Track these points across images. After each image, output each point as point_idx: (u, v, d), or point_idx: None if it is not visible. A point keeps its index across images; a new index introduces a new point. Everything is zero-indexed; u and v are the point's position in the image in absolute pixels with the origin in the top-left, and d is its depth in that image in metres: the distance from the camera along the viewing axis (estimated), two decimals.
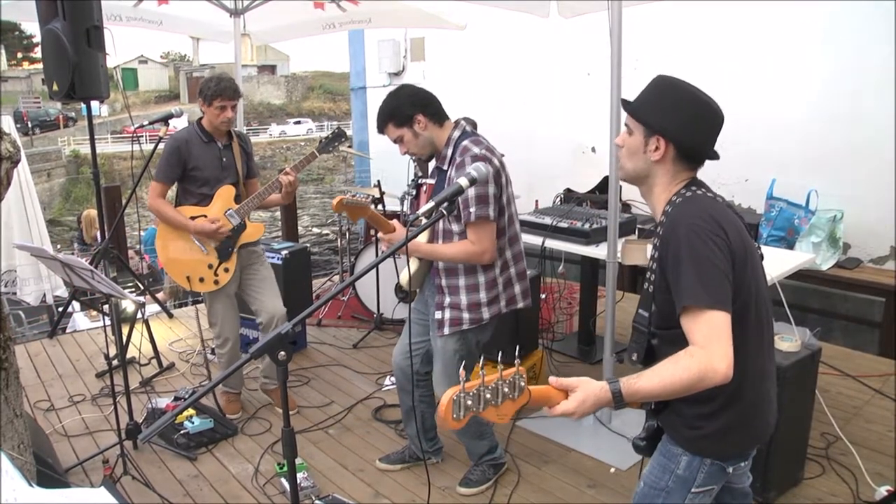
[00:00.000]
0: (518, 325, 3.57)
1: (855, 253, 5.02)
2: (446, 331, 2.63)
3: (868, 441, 3.25)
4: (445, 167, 2.56)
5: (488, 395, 1.34)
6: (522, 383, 1.38)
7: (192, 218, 3.36)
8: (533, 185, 5.79)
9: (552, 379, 1.51)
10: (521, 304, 2.72)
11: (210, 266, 3.41)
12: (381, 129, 2.59)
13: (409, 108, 2.51)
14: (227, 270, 3.43)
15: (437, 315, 2.65)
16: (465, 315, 2.60)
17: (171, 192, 3.48)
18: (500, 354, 1.37)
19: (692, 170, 1.66)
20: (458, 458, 3.13)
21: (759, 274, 1.63)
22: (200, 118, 3.39)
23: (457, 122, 2.61)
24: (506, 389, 1.36)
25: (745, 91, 5.44)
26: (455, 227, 2.54)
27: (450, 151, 2.55)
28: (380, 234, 2.61)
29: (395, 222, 2.62)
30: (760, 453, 2.59)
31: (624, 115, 1.73)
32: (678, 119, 1.61)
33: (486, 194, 2.44)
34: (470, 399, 1.31)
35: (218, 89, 3.23)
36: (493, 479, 2.97)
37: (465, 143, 2.51)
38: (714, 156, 1.66)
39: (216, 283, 3.43)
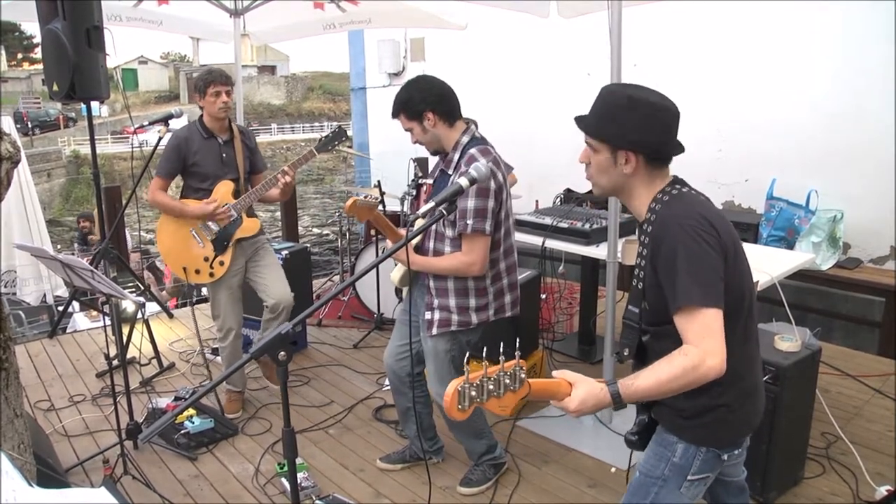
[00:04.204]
0: (517, 326, 3.57)
1: (855, 253, 5.02)
2: (435, 331, 2.64)
3: (868, 441, 3.25)
4: (450, 171, 2.56)
5: (491, 386, 1.37)
6: (523, 375, 1.41)
7: None
8: (533, 185, 5.79)
9: (555, 372, 1.55)
10: (509, 314, 2.72)
11: (206, 259, 3.46)
12: (394, 116, 2.60)
13: (420, 103, 2.51)
14: (222, 264, 3.47)
15: (427, 315, 2.66)
16: (455, 316, 2.61)
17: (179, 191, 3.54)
18: (500, 346, 1.40)
19: (666, 167, 1.68)
20: (459, 457, 3.13)
21: (746, 267, 1.66)
22: (201, 116, 3.43)
23: (467, 126, 2.59)
24: (507, 381, 1.39)
25: (745, 91, 5.45)
26: (449, 232, 2.54)
27: (456, 157, 2.55)
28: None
29: (402, 231, 2.64)
30: (761, 453, 2.60)
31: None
32: (638, 128, 1.60)
33: (485, 208, 2.44)
34: (474, 390, 1.35)
35: (210, 77, 3.31)
36: (493, 479, 2.97)
37: (473, 151, 2.50)
38: (679, 150, 1.66)
39: (211, 275, 3.48)
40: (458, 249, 2.53)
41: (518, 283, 2.76)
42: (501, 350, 1.38)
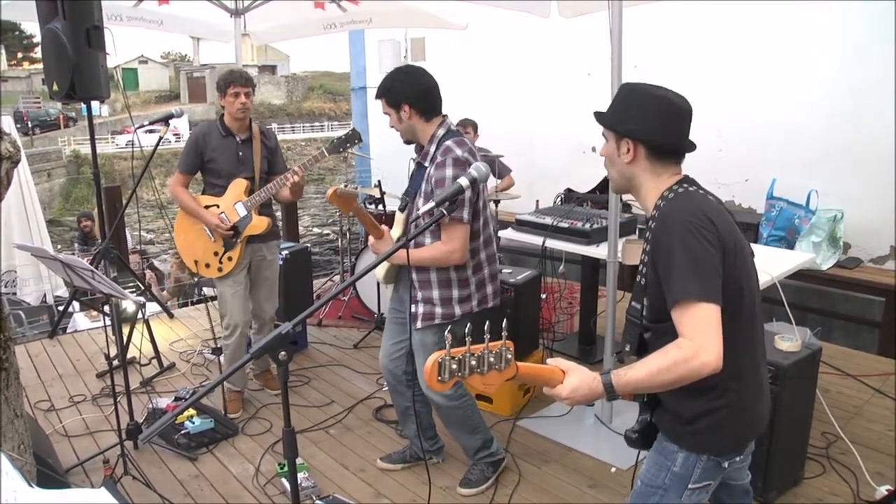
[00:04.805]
0: (517, 326, 3.58)
1: (855, 253, 5.02)
2: (419, 324, 2.67)
3: (868, 440, 3.25)
4: (426, 164, 2.60)
5: (473, 363, 1.37)
6: (509, 355, 1.41)
7: (206, 207, 3.52)
8: (533, 185, 5.79)
9: (549, 360, 1.57)
10: (491, 304, 2.76)
11: (216, 253, 3.53)
12: (377, 97, 2.67)
13: (400, 95, 2.59)
14: (230, 259, 3.53)
15: (412, 309, 2.69)
16: (438, 309, 2.64)
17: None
18: (486, 324, 1.39)
19: (674, 164, 1.69)
20: (459, 457, 3.13)
21: (750, 268, 1.66)
22: (222, 114, 3.52)
23: (443, 120, 2.64)
24: (492, 359, 1.39)
25: (745, 91, 5.45)
26: None
27: (432, 149, 2.60)
28: (370, 242, 2.69)
29: (384, 227, 2.68)
30: (761, 453, 2.60)
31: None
32: (642, 119, 1.66)
33: (463, 198, 2.47)
34: (455, 363, 1.35)
35: (230, 77, 3.41)
36: (492, 478, 2.97)
37: (448, 143, 2.55)
38: (690, 147, 1.70)
39: (220, 270, 3.55)
40: (438, 240, 2.56)
41: (498, 273, 2.82)
42: (486, 327, 1.38)
